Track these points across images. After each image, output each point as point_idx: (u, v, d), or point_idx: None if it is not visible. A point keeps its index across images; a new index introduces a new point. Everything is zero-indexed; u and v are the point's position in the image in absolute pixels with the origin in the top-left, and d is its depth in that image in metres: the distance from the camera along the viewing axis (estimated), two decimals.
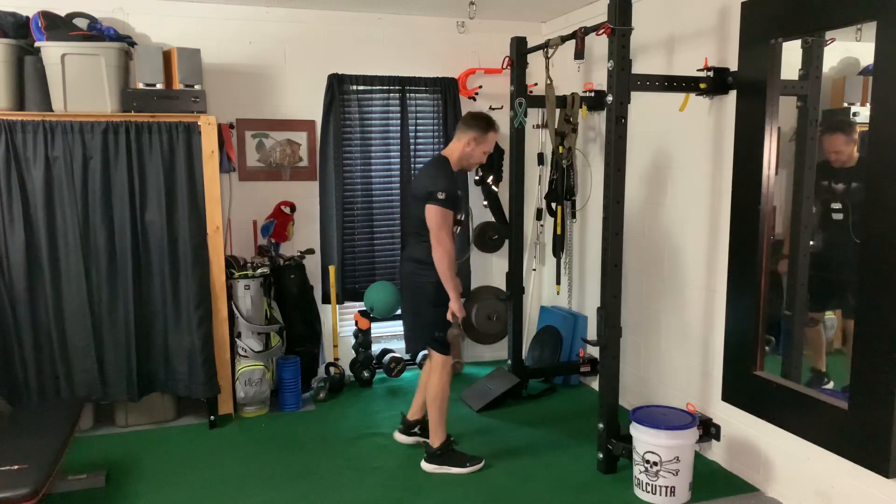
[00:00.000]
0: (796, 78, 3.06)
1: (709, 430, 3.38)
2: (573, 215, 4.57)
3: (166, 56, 3.86)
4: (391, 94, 4.68)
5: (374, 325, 4.66)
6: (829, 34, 2.87)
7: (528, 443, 3.70)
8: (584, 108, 4.06)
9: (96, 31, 3.67)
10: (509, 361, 4.42)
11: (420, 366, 4.68)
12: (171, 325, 3.82)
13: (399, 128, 4.71)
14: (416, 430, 3.61)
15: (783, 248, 3.20)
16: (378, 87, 4.64)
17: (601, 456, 3.32)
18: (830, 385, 3.03)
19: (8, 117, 3.47)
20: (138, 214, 3.72)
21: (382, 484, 3.27)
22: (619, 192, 3.15)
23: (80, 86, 3.57)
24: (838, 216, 3.01)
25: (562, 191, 4.32)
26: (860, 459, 2.58)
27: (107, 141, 3.61)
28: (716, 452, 3.42)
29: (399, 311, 4.16)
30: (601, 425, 3.28)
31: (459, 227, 3.42)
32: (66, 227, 3.61)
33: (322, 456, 3.55)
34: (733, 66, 3.16)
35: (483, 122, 3.30)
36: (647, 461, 3.02)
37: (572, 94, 4.04)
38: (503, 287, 4.75)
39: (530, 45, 4.02)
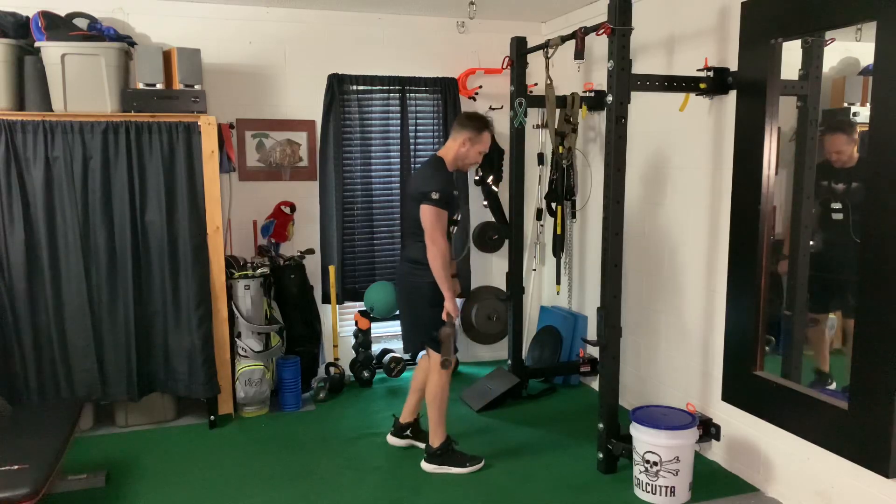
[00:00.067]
0: (796, 78, 3.06)
1: (709, 430, 3.38)
2: (573, 215, 4.57)
3: (166, 56, 3.86)
4: (391, 94, 4.68)
5: (374, 325, 4.66)
6: (829, 34, 2.88)
7: (528, 443, 3.70)
8: (584, 108, 4.06)
9: (96, 31, 3.67)
10: (509, 361, 4.42)
11: None
12: (171, 325, 3.82)
13: (399, 128, 4.71)
14: (407, 433, 3.61)
15: (783, 248, 3.20)
16: (378, 87, 4.64)
17: (601, 456, 3.32)
18: (833, 386, 3.03)
19: (8, 117, 3.47)
20: (138, 214, 3.72)
21: (382, 484, 3.27)
22: (619, 192, 3.15)
23: (80, 86, 3.57)
24: (838, 216, 3.01)
25: (562, 191, 4.32)
26: (860, 459, 2.58)
27: (107, 141, 3.61)
28: (716, 452, 3.42)
29: (398, 312, 4.16)
30: (601, 425, 3.28)
31: (456, 228, 3.42)
32: (66, 227, 3.61)
33: (322, 456, 3.56)
34: (733, 66, 3.16)
35: (477, 122, 3.30)
36: (647, 461, 3.02)
37: (572, 94, 4.04)
38: (503, 287, 4.75)
39: (530, 45, 4.02)
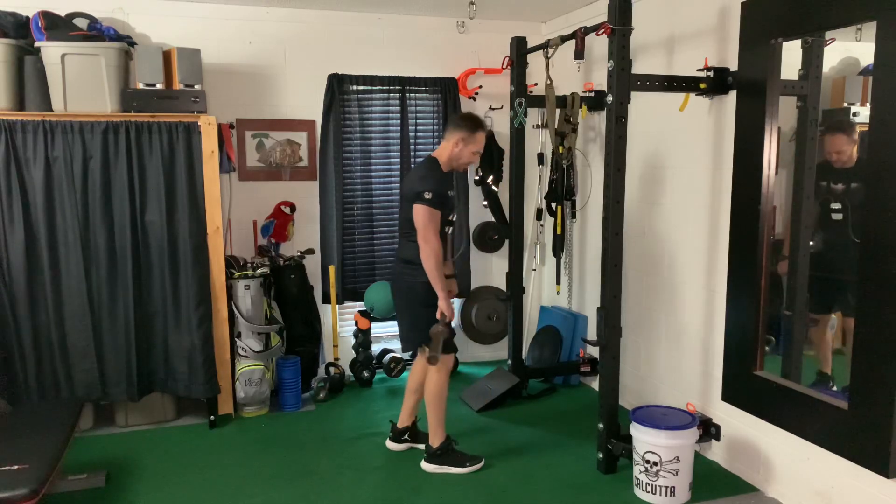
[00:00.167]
0: (796, 78, 3.06)
1: (709, 430, 3.38)
2: (573, 215, 4.57)
3: (166, 56, 3.86)
4: (391, 94, 4.68)
5: (374, 325, 4.66)
6: (829, 34, 2.87)
7: (528, 443, 3.70)
8: (584, 108, 4.06)
9: (96, 31, 3.67)
10: (509, 361, 4.42)
11: None
12: (171, 325, 3.82)
13: (399, 128, 4.71)
14: (405, 436, 3.60)
15: (783, 247, 3.20)
16: (378, 87, 4.64)
17: (601, 456, 3.32)
18: (834, 388, 3.02)
19: (8, 117, 3.47)
20: (138, 214, 3.72)
21: (382, 484, 3.27)
22: (619, 192, 3.15)
23: (80, 86, 3.57)
24: (838, 216, 3.01)
25: (562, 191, 4.33)
26: (860, 459, 2.58)
27: (107, 141, 3.61)
28: (716, 452, 3.42)
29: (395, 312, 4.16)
30: (601, 425, 3.28)
31: (451, 228, 3.42)
32: (66, 227, 3.61)
33: (322, 456, 3.55)
34: (733, 66, 3.16)
35: (470, 123, 3.30)
36: (647, 461, 3.02)
37: (572, 94, 4.04)
38: (503, 287, 4.75)
39: (530, 45, 4.02)
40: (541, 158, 4.79)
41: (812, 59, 3.00)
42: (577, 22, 4.12)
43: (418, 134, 4.76)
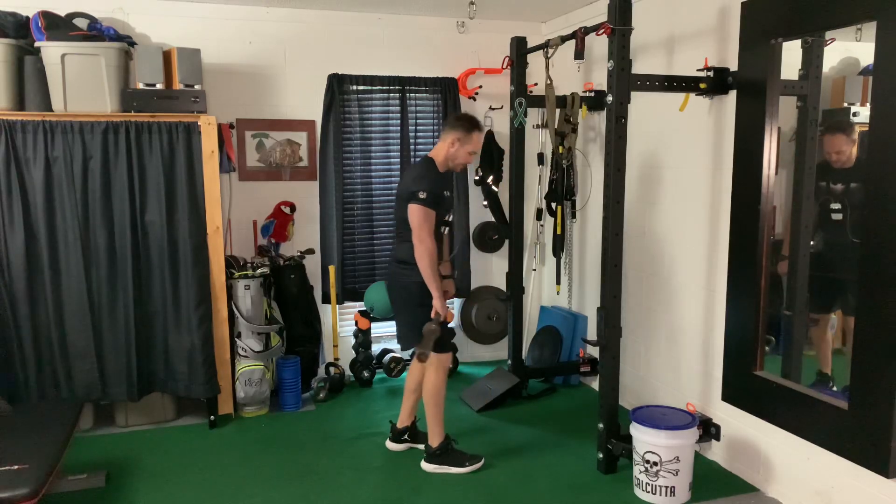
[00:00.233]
0: (796, 78, 3.06)
1: (709, 430, 3.38)
2: (573, 215, 4.57)
3: (166, 56, 3.86)
4: (391, 94, 4.68)
5: (374, 325, 4.66)
6: (829, 34, 2.88)
7: (528, 443, 3.70)
8: (584, 108, 4.06)
9: (96, 31, 3.67)
10: (509, 361, 4.42)
11: None
12: (171, 325, 3.82)
13: (399, 128, 4.71)
14: (405, 437, 3.60)
15: (783, 248, 3.20)
16: (378, 87, 4.64)
17: (601, 456, 3.32)
18: (834, 388, 3.02)
19: (8, 117, 3.47)
20: (138, 214, 3.72)
21: (382, 483, 3.27)
22: (619, 192, 3.15)
23: (80, 86, 3.57)
24: (837, 216, 3.01)
25: (562, 191, 4.33)
26: (860, 459, 2.58)
27: (107, 141, 3.61)
28: (716, 452, 3.42)
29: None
30: (601, 425, 3.28)
31: (448, 228, 3.42)
32: (66, 227, 3.61)
33: (322, 456, 3.55)
34: (733, 66, 3.16)
35: (466, 123, 3.31)
36: (647, 461, 3.02)
37: (572, 94, 4.04)
38: (503, 287, 4.75)
39: (530, 45, 4.02)
40: (541, 158, 4.79)
41: (812, 59, 3.00)
42: (577, 22, 4.12)
43: (418, 134, 4.76)
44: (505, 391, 4.21)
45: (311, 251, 4.48)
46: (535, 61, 4.22)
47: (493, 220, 4.83)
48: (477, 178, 4.77)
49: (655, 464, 3.00)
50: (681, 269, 3.65)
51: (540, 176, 4.83)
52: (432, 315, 3.23)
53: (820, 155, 3.06)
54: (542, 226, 4.98)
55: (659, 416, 3.13)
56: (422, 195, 3.13)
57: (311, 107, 4.53)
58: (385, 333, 4.93)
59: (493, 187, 4.69)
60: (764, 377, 3.05)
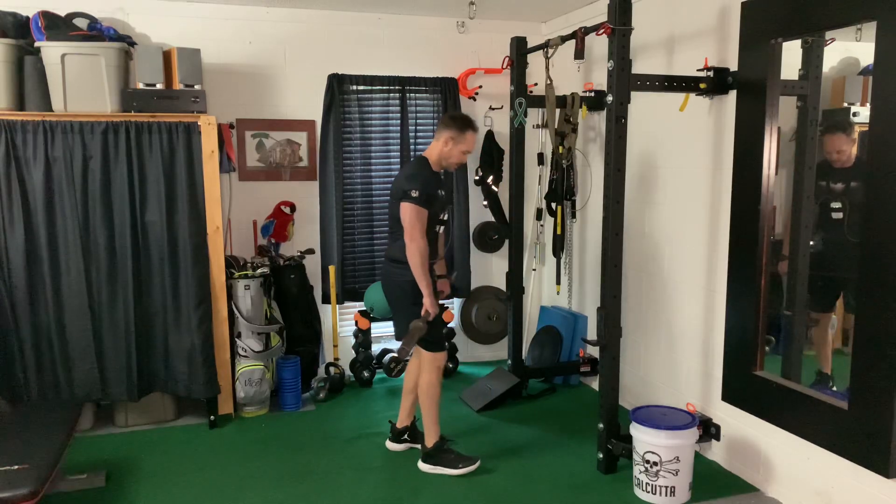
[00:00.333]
0: (796, 78, 3.06)
1: (709, 430, 3.38)
2: (573, 215, 4.57)
3: (166, 56, 3.86)
4: (391, 94, 4.68)
5: (374, 325, 4.66)
6: (829, 34, 2.87)
7: (528, 443, 3.70)
8: (584, 108, 4.06)
9: (96, 31, 3.67)
10: (509, 361, 4.42)
11: None
12: (171, 324, 3.82)
13: (399, 128, 4.71)
14: (405, 436, 3.60)
15: (783, 248, 3.20)
16: (378, 87, 4.64)
17: (601, 456, 3.32)
18: (834, 388, 3.02)
19: (8, 117, 3.47)
20: (138, 214, 3.72)
21: (382, 483, 3.27)
22: (619, 192, 3.15)
23: (80, 86, 3.57)
24: (838, 215, 3.01)
25: (562, 191, 4.33)
26: (860, 459, 2.58)
27: (107, 141, 3.61)
28: (716, 452, 3.42)
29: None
30: (601, 425, 3.28)
31: (443, 227, 3.42)
32: (66, 227, 3.61)
33: (322, 456, 3.55)
34: (733, 66, 3.16)
35: (459, 122, 3.31)
36: (647, 461, 3.02)
37: (572, 94, 4.04)
38: (503, 287, 4.75)
39: (530, 45, 4.02)
40: (541, 158, 4.79)
41: (812, 59, 3.00)
42: (577, 22, 4.12)
43: (418, 134, 4.76)
44: (505, 391, 4.21)
45: (311, 251, 4.48)
46: (535, 61, 4.22)
47: (493, 220, 4.84)
48: (477, 178, 4.77)
49: (655, 464, 3.00)
50: (681, 269, 3.65)
51: (540, 176, 4.83)
52: (422, 313, 3.23)
53: (820, 154, 3.06)
54: (542, 226, 4.98)
55: (659, 416, 3.13)
56: (414, 194, 3.13)
57: (311, 107, 4.53)
58: (385, 333, 4.93)
59: (493, 187, 4.69)
60: (764, 377, 3.05)
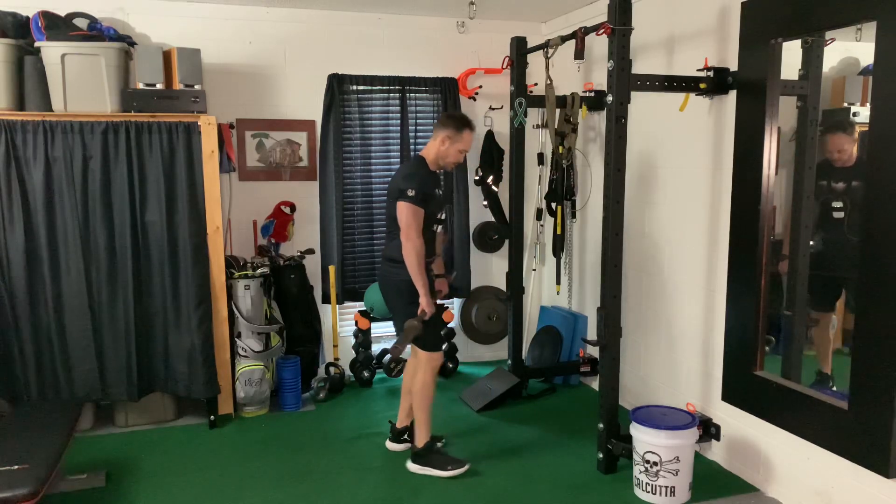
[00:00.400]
0: (796, 78, 3.06)
1: (709, 430, 3.38)
2: (573, 215, 4.57)
3: (166, 56, 3.86)
4: (391, 94, 4.68)
5: (374, 325, 4.66)
6: (829, 34, 2.88)
7: (528, 443, 3.70)
8: (584, 108, 4.06)
9: (96, 31, 3.67)
10: (509, 361, 4.42)
11: None
12: (171, 324, 3.82)
13: (399, 128, 4.71)
14: (405, 437, 3.60)
15: (783, 247, 3.20)
16: (378, 87, 4.64)
17: (601, 456, 3.32)
18: (834, 388, 3.03)
19: (8, 117, 3.47)
20: (138, 214, 3.72)
21: (382, 483, 3.27)
22: (619, 192, 3.15)
23: (80, 86, 3.57)
24: (839, 214, 3.01)
25: (562, 191, 4.33)
26: (860, 459, 2.58)
27: (107, 141, 3.61)
28: (716, 452, 3.42)
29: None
30: (601, 425, 3.28)
31: (441, 227, 3.42)
32: (66, 227, 3.61)
33: (322, 456, 3.55)
34: (733, 66, 3.16)
35: (456, 121, 3.31)
36: (647, 461, 3.02)
37: (572, 94, 4.04)
38: (503, 287, 4.75)
39: (530, 45, 4.02)
40: (541, 158, 4.79)
41: (812, 59, 3.00)
42: (577, 22, 4.12)
43: (418, 134, 4.76)
44: (505, 391, 4.21)
45: (311, 251, 4.48)
46: (535, 61, 4.22)
47: (493, 219, 4.84)
48: (477, 178, 4.77)
49: (655, 464, 3.00)
50: (681, 269, 3.65)
51: (540, 176, 4.83)
52: (419, 312, 3.23)
53: (821, 154, 3.06)
54: (542, 226, 4.98)
55: (659, 416, 3.13)
56: (410, 193, 3.13)
57: (311, 107, 4.53)
58: (385, 333, 4.93)
59: (493, 187, 4.69)
60: (764, 377, 3.05)
